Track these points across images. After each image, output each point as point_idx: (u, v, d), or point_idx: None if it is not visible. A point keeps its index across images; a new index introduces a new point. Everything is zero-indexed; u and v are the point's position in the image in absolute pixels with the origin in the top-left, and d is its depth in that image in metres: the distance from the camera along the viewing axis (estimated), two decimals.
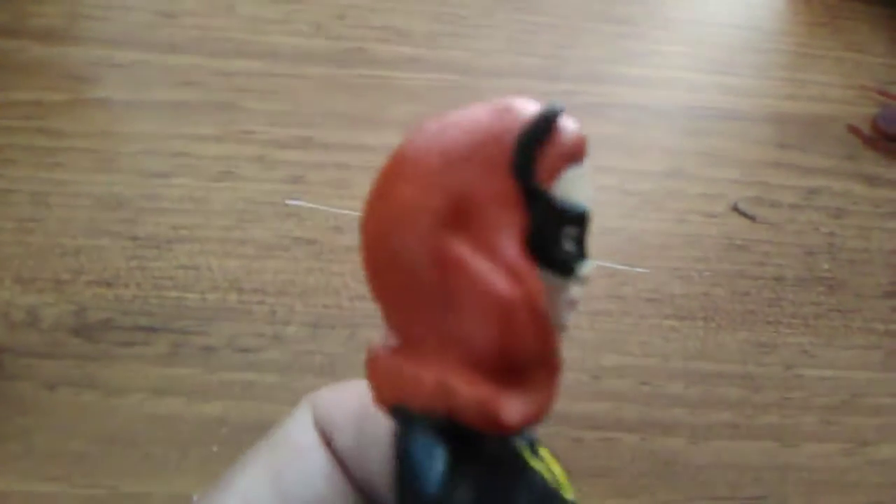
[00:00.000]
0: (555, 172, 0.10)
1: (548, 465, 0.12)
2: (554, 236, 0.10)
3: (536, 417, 0.10)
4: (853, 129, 0.39)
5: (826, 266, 0.36)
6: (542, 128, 0.10)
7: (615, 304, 0.33)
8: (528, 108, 0.10)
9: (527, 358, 0.10)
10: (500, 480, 0.11)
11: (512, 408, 0.10)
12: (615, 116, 0.38)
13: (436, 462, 0.10)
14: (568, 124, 0.10)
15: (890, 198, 0.38)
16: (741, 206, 0.36)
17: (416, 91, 0.37)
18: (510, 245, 0.10)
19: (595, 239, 0.34)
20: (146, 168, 0.34)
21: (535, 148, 0.10)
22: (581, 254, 0.10)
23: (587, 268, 0.10)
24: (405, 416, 0.10)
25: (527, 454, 0.12)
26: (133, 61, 0.36)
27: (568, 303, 0.10)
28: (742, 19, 0.43)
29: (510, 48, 0.39)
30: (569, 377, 0.31)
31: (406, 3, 0.40)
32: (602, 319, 0.33)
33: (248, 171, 0.34)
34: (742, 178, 0.37)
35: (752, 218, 0.36)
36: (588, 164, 0.10)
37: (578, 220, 0.10)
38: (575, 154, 0.10)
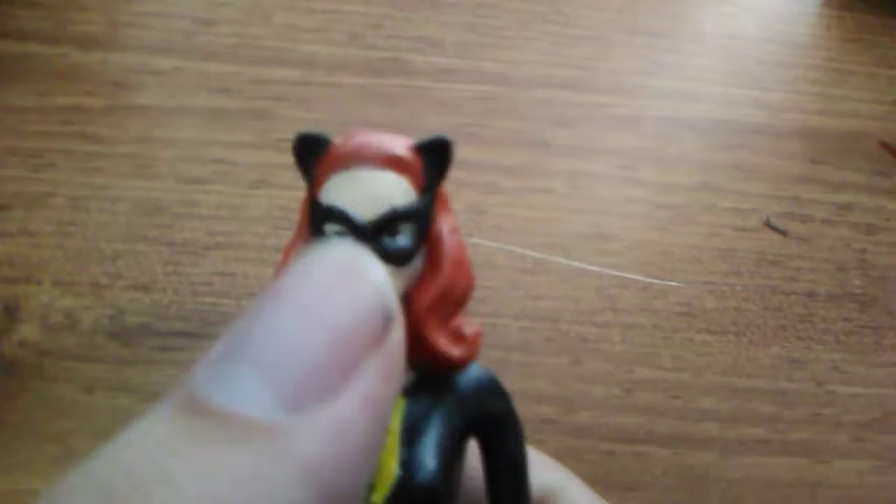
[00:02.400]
0: (322, 180, 0.12)
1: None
2: (320, 231, 0.12)
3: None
4: (884, 145, 0.39)
5: (858, 282, 0.35)
6: (309, 147, 0.13)
7: (647, 317, 0.33)
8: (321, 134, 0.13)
9: None
10: None
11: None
12: (646, 129, 0.38)
13: None
14: (339, 141, 0.13)
15: None
16: (773, 220, 0.36)
17: (449, 101, 0.37)
18: (296, 241, 0.13)
19: (627, 252, 0.35)
20: (183, 174, 0.34)
21: (307, 162, 0.13)
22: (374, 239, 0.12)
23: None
24: None
25: None
26: (171, 68, 0.37)
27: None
28: (774, 34, 0.43)
29: (543, 59, 0.39)
30: (600, 390, 0.32)
31: (440, 13, 0.40)
32: (634, 333, 0.33)
33: (283, 178, 0.34)
34: (773, 193, 0.37)
35: (783, 233, 0.36)
36: (359, 171, 0.12)
37: (334, 216, 0.12)
38: (336, 165, 0.12)
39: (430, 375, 0.13)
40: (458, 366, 0.13)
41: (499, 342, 0.32)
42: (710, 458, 0.31)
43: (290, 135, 0.37)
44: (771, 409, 0.32)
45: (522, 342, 0.32)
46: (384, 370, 0.10)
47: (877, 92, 0.41)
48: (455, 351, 0.13)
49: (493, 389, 0.13)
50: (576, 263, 0.34)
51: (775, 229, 0.36)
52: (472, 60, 0.38)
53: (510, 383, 0.32)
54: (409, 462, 0.12)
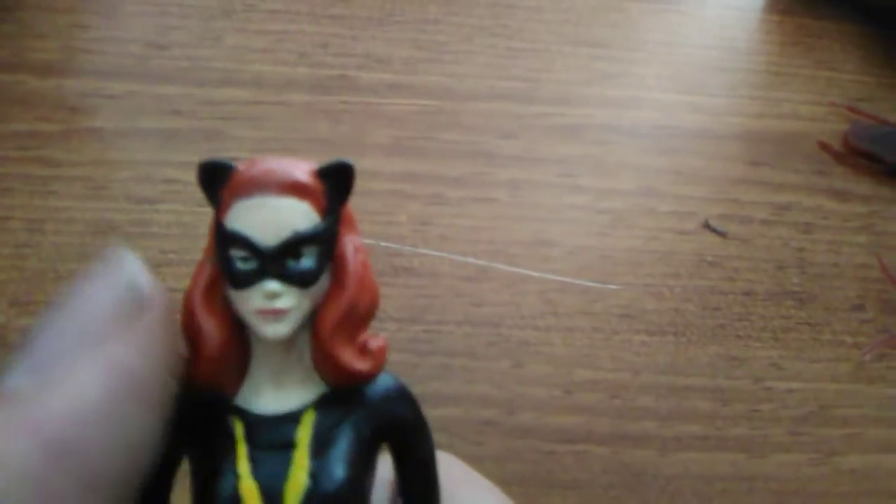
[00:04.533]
0: (226, 206, 0.13)
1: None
2: (225, 256, 0.13)
3: None
4: (823, 146, 0.40)
5: (796, 280, 0.36)
6: (212, 174, 0.13)
7: (587, 320, 0.34)
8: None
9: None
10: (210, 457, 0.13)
11: None
12: (589, 137, 0.39)
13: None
14: (242, 168, 0.13)
15: (859, 212, 0.38)
16: (712, 223, 0.37)
17: (395, 116, 0.38)
18: (203, 264, 0.14)
19: (568, 257, 0.36)
20: (136, 194, 0.35)
21: (211, 188, 0.13)
22: (260, 271, 0.13)
23: (267, 286, 0.13)
24: None
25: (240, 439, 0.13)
26: (125, 92, 0.38)
27: (255, 311, 0.13)
28: (714, 40, 0.44)
29: (487, 73, 0.40)
30: (541, 392, 0.33)
31: (387, 31, 0.41)
32: (574, 336, 0.34)
33: None
34: (713, 196, 0.38)
35: (723, 234, 0.37)
36: (262, 198, 0.13)
37: (238, 241, 0.13)
38: (239, 191, 0.13)
39: (339, 389, 0.13)
40: (365, 379, 0.14)
41: (442, 348, 0.33)
42: (649, 456, 0.32)
43: (241, 153, 0.39)
44: (709, 407, 0.33)
45: (465, 347, 0.33)
46: (136, 343, 0.11)
47: (816, 94, 0.42)
48: (361, 365, 0.13)
49: (401, 397, 0.14)
50: (518, 270, 0.35)
51: (715, 231, 0.37)
52: (418, 76, 0.40)
53: (453, 388, 0.33)
54: (317, 473, 0.12)
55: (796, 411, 0.34)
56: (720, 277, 0.36)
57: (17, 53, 0.39)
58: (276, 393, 0.13)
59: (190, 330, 0.13)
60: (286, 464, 0.13)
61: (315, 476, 0.12)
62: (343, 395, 0.13)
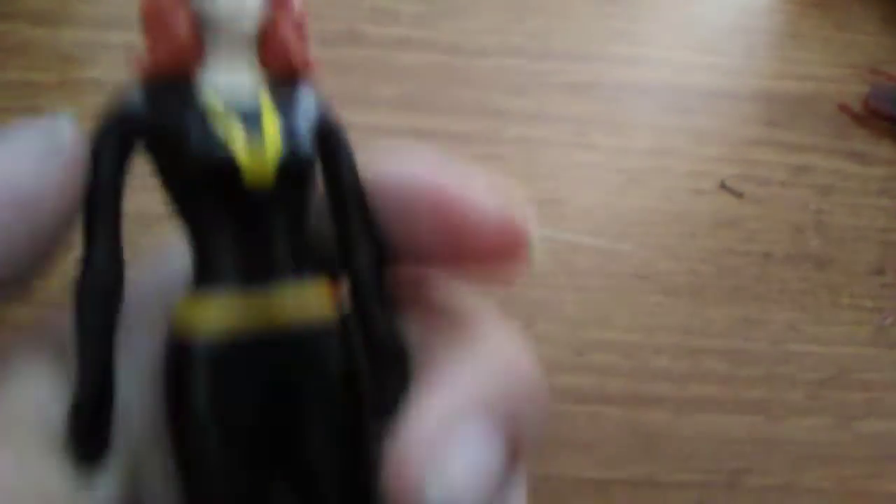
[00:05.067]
0: None
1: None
2: None
3: None
4: (843, 108, 0.39)
5: (814, 243, 0.35)
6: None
7: (600, 280, 0.33)
8: None
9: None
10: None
11: None
12: (602, 95, 0.38)
13: None
14: None
15: (879, 175, 0.37)
16: (729, 183, 0.36)
17: (403, 71, 0.37)
18: None
19: (580, 216, 0.35)
20: None
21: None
22: None
23: None
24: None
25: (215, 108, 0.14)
26: (122, 42, 0.37)
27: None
28: (731, 0, 0.43)
29: (497, 28, 0.39)
30: (553, 352, 0.32)
31: None
32: (587, 296, 0.33)
33: None
34: (730, 156, 0.37)
35: (739, 195, 0.36)
36: None
37: None
38: None
39: (281, 83, 0.14)
40: (304, 70, 0.14)
41: None
42: (664, 417, 0.31)
43: None
44: (725, 369, 0.32)
45: None
46: (31, 167, 0.13)
47: (835, 55, 0.41)
48: (304, 56, 0.14)
49: (329, 107, 0.15)
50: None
51: (731, 191, 0.36)
52: (427, 30, 0.38)
53: None
54: (287, 119, 0.14)
55: (815, 375, 0.33)
56: (737, 238, 0.35)
57: (12, 2, 0.38)
58: (230, 75, 0.14)
59: (153, 15, 0.14)
60: (258, 119, 0.14)
61: (284, 131, 0.13)
62: (284, 88, 0.14)
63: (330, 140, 0.15)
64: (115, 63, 0.36)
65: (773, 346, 0.33)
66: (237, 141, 0.13)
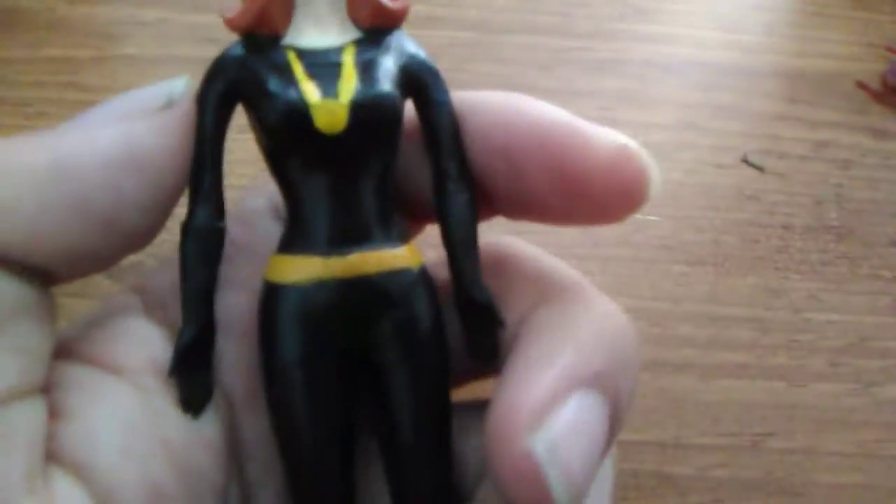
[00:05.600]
0: None
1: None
2: None
3: None
4: (862, 85, 0.40)
5: (834, 215, 0.36)
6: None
7: (626, 250, 0.34)
8: None
9: None
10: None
11: None
12: (627, 71, 0.39)
13: None
14: None
15: None
16: (751, 157, 0.37)
17: (430, 48, 0.38)
18: None
19: None
20: None
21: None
22: None
23: None
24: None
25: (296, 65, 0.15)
26: (157, 19, 0.37)
27: None
28: None
29: (523, 6, 0.40)
30: None
31: None
32: (614, 265, 0.34)
33: None
34: (751, 131, 0.38)
35: (761, 169, 0.37)
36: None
37: None
38: None
39: (371, 33, 0.15)
40: (395, 19, 0.15)
41: None
42: (689, 382, 0.32)
43: None
44: (749, 336, 0.33)
45: None
46: (150, 126, 0.14)
47: (854, 34, 0.41)
48: (393, 4, 0.15)
49: (419, 48, 0.16)
50: None
51: (753, 165, 0.37)
52: (453, 8, 0.39)
53: None
54: (364, 80, 0.14)
55: (835, 342, 0.33)
56: (759, 211, 0.36)
57: None
58: (318, 34, 0.15)
59: None
60: (337, 75, 0.14)
61: (363, 81, 0.14)
62: (375, 40, 0.15)
63: (420, 83, 0.15)
64: (149, 39, 0.37)
65: (794, 315, 0.34)
66: (309, 91, 0.14)
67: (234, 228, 0.16)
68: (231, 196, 0.18)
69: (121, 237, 0.14)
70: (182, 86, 0.14)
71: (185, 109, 0.14)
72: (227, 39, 0.41)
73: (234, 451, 0.15)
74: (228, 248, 0.15)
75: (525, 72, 0.38)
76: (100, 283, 0.32)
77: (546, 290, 0.15)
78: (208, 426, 0.15)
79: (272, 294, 0.15)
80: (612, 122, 0.37)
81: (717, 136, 0.37)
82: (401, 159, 0.16)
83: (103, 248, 0.14)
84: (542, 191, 0.14)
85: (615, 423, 0.14)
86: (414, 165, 0.16)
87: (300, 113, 0.14)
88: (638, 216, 0.35)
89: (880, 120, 0.39)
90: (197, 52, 0.37)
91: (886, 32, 0.41)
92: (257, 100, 0.14)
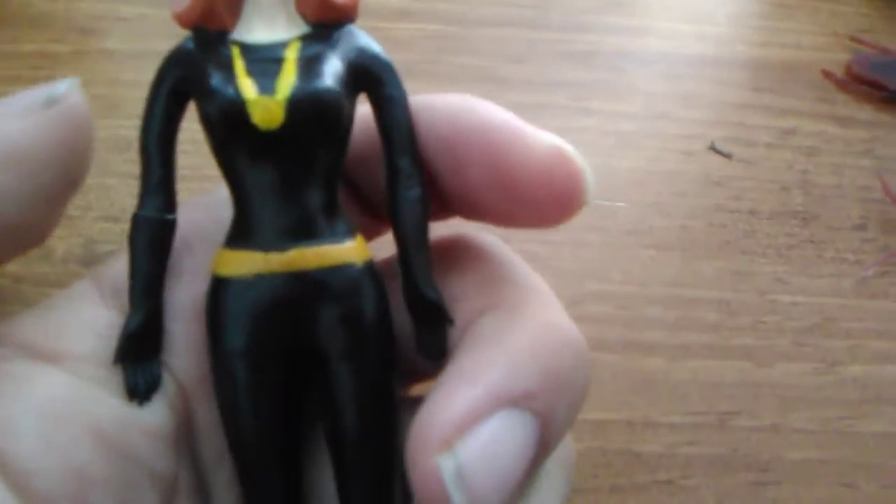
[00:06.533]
0: None
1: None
2: None
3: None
4: (827, 74, 0.41)
5: (799, 200, 0.37)
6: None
7: (596, 235, 0.35)
8: None
9: None
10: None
11: None
12: (599, 63, 0.40)
13: None
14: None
15: (862, 137, 0.39)
16: (718, 145, 0.38)
17: (403, 40, 0.39)
18: None
19: None
20: None
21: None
22: None
23: None
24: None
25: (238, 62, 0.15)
26: (136, 14, 0.38)
27: None
28: None
29: None
30: None
31: None
32: (583, 250, 0.35)
33: None
34: (719, 120, 0.39)
35: (728, 156, 0.38)
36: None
37: None
38: None
39: (319, 28, 0.15)
40: (343, 15, 0.15)
41: None
42: (658, 363, 0.33)
43: None
44: (716, 318, 0.34)
45: None
46: (25, 123, 0.14)
47: (819, 25, 0.42)
48: (340, 2, 0.15)
49: (372, 43, 0.16)
50: None
51: (720, 153, 0.38)
52: (426, 1, 0.40)
53: None
54: (304, 76, 0.14)
55: (801, 323, 0.34)
56: (726, 197, 0.37)
57: None
58: (266, 29, 0.15)
59: None
60: (277, 71, 0.14)
61: (302, 77, 0.14)
62: (323, 35, 0.15)
63: (372, 78, 0.15)
64: (128, 34, 0.38)
65: (760, 297, 0.35)
66: (247, 87, 0.14)
67: (200, 216, 0.16)
68: (206, 186, 0.19)
69: (5, 231, 0.14)
70: (65, 87, 0.15)
71: (69, 106, 0.14)
72: None
73: (185, 436, 0.16)
74: (192, 236, 0.16)
75: (498, 64, 0.39)
76: (78, 272, 0.32)
77: (494, 295, 0.15)
78: (151, 413, 0.15)
79: (216, 286, 0.15)
80: (585, 112, 0.38)
81: (685, 124, 0.38)
82: (362, 156, 0.16)
83: None
84: (482, 188, 0.15)
85: (546, 443, 0.14)
86: (376, 161, 0.16)
87: (237, 109, 0.14)
88: (606, 202, 0.35)
89: (844, 108, 0.40)
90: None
91: (850, 22, 0.42)
92: (200, 95, 0.15)
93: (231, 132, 0.14)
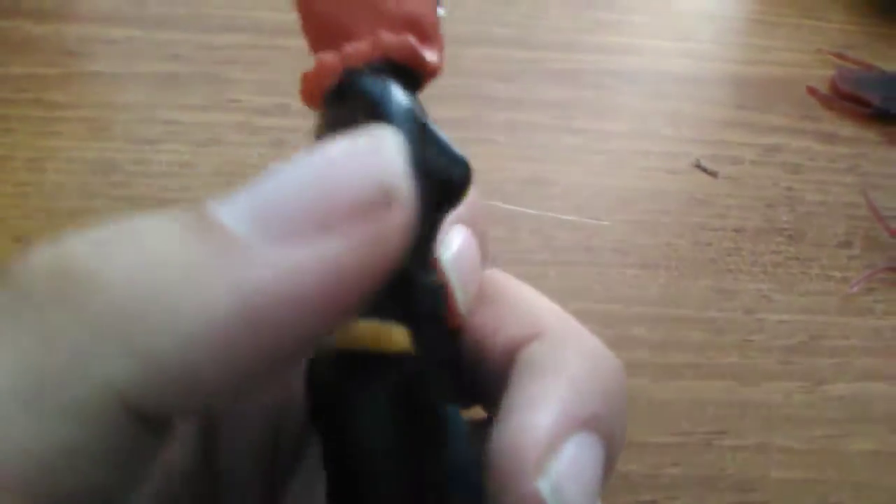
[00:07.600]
0: None
1: None
2: None
3: (441, 63, 0.15)
4: (811, 91, 0.41)
5: (785, 218, 0.37)
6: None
7: (581, 255, 0.35)
8: None
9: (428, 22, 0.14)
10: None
11: (428, 52, 0.14)
12: (584, 81, 0.40)
13: (393, 88, 0.13)
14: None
15: (846, 154, 0.39)
16: (703, 162, 0.38)
17: None
18: None
19: (563, 195, 0.36)
20: (137, 135, 0.36)
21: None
22: None
23: None
24: (351, 75, 0.14)
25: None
26: (123, 37, 0.38)
27: None
28: None
29: (482, 18, 0.41)
30: None
31: None
32: (569, 270, 0.35)
33: (232, 136, 0.36)
34: (703, 138, 0.39)
35: (713, 174, 0.38)
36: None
37: None
38: None
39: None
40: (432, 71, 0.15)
41: None
42: (643, 382, 0.33)
43: (241, 96, 0.39)
44: (701, 337, 0.34)
45: None
46: (361, 242, 0.10)
47: (802, 42, 0.43)
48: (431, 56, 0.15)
49: None
50: (513, 207, 0.36)
51: (705, 170, 0.38)
52: None
53: None
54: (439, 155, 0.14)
55: (786, 341, 0.34)
56: (711, 214, 0.37)
57: (15, 0, 0.39)
58: None
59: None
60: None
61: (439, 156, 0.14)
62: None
63: None
64: (116, 57, 0.38)
65: (746, 315, 0.35)
66: None
67: None
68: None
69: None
70: (400, 173, 0.11)
71: (404, 214, 0.11)
72: (192, 56, 0.42)
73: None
74: None
75: (484, 83, 0.39)
76: None
77: (538, 324, 0.15)
78: None
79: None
80: (570, 131, 0.38)
81: (669, 142, 0.38)
82: None
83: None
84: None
85: (611, 460, 0.14)
86: None
87: None
88: (592, 221, 0.36)
89: (828, 124, 0.40)
90: (164, 68, 0.38)
91: (834, 39, 0.43)
92: None
93: None
